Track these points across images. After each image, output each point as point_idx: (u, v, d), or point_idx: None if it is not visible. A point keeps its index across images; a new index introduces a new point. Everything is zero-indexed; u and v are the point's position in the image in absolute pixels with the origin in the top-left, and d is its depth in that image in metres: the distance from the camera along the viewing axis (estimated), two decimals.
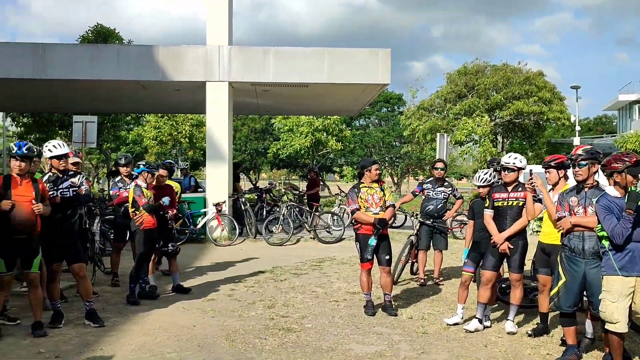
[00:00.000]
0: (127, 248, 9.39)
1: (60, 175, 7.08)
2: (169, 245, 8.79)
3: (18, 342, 6.24)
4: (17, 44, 15.61)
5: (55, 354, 5.90)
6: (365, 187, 7.74)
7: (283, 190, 19.70)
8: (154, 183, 8.58)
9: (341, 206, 17.36)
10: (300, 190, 19.96)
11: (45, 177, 7.04)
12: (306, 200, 18.09)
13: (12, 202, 6.19)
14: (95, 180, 44.26)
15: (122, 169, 9.34)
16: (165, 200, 8.45)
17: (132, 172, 8.93)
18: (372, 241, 7.51)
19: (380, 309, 7.74)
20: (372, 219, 7.53)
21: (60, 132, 27.91)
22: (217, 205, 14.48)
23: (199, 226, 14.41)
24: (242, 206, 15.41)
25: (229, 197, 15.15)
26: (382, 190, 7.78)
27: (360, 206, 7.62)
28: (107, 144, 31.60)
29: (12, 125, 31.32)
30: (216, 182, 15.03)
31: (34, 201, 6.36)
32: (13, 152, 6.38)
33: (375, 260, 7.66)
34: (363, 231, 7.63)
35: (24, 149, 6.37)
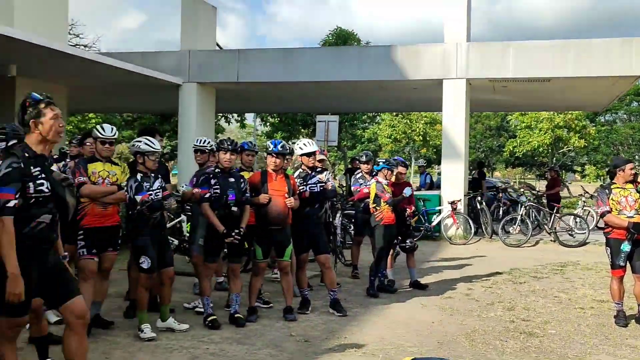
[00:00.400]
0: (366, 242, 9.72)
1: (309, 172, 7.56)
2: (407, 241, 8.95)
3: (272, 324, 6.80)
4: (269, 49, 16.96)
5: (304, 338, 6.32)
6: (618, 188, 7.18)
7: (521, 190, 19.02)
8: (393, 180, 8.79)
9: (585, 208, 16.29)
10: (538, 190, 19.09)
11: (296, 173, 7.57)
12: (545, 201, 17.26)
13: (269, 196, 6.77)
14: (332, 176, 46.37)
15: (363, 166, 9.67)
16: (407, 191, 8.62)
17: (373, 169, 9.23)
18: (626, 246, 6.95)
19: (634, 320, 7.13)
20: (625, 222, 6.95)
21: (302, 131, 29.74)
22: (452, 203, 14.40)
23: (433, 224, 14.49)
24: (478, 205, 15.17)
25: (464, 195, 15.01)
26: (638, 192, 7.16)
27: (611, 208, 7.09)
28: (344, 142, 33.01)
29: (261, 124, 34.10)
30: (452, 180, 14.97)
31: (286, 195, 6.88)
32: (269, 149, 6.96)
33: (628, 267, 7.08)
34: (615, 235, 7.08)
35: (279, 147, 6.92)
